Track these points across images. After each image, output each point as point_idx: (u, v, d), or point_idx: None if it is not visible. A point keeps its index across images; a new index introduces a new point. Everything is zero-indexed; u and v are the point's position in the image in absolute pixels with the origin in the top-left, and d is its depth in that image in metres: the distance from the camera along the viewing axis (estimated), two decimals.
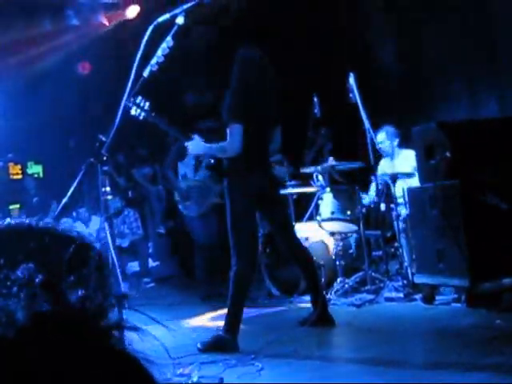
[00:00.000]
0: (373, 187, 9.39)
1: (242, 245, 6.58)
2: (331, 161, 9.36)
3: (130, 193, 13.24)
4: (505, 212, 7.07)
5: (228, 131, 6.49)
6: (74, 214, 12.55)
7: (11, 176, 12.65)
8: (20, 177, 12.78)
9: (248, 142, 6.51)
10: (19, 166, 12.71)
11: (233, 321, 6.51)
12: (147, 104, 6.19)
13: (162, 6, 10.23)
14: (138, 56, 4.76)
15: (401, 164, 9.26)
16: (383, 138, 9.47)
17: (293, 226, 7.50)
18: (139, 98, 6.14)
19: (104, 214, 4.61)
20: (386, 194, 9.05)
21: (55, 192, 11.98)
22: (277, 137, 9.37)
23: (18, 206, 11.88)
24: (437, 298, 7.81)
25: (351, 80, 8.74)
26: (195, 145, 6.70)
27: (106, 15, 12.37)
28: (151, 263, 12.95)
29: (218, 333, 6.54)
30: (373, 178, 9.17)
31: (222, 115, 6.58)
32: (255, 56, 6.83)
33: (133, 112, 6.14)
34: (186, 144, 6.71)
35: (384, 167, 9.52)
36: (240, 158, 6.52)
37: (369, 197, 9.40)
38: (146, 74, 4.90)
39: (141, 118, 6.21)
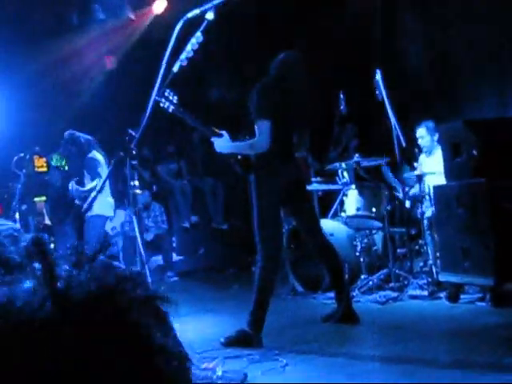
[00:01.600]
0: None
1: (267, 241, 6.58)
2: (357, 157, 9.34)
3: (154, 187, 13.32)
4: None
5: (256, 128, 6.50)
6: None
7: (36, 168, 12.72)
8: (45, 169, 12.84)
9: (276, 139, 6.52)
10: (44, 159, 12.77)
11: (257, 316, 6.50)
12: (175, 98, 6.19)
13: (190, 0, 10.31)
14: (168, 51, 4.78)
15: (438, 159, 9.10)
16: (424, 133, 9.41)
17: (319, 222, 7.47)
18: (168, 91, 6.14)
19: (133, 208, 4.64)
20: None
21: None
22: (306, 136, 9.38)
23: (43, 198, 11.94)
24: (461, 296, 7.77)
25: (378, 77, 8.71)
26: (222, 142, 6.66)
27: (133, 9, 12.40)
28: (175, 257, 13.01)
29: (242, 328, 6.54)
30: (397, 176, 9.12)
31: (250, 112, 6.59)
32: (296, 60, 6.91)
33: (161, 104, 6.15)
34: (212, 141, 6.69)
35: (422, 163, 9.49)
36: (268, 154, 6.53)
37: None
38: (175, 68, 4.92)
39: (170, 110, 6.22)
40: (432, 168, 9.11)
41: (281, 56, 6.92)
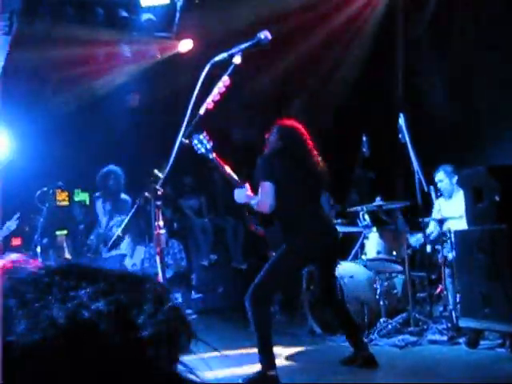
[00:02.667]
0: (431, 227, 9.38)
1: (267, 289, 6.78)
2: (378, 200, 9.36)
3: (174, 224, 13.35)
4: None
5: (260, 189, 6.70)
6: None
7: (58, 202, 12.80)
8: (67, 203, 12.93)
9: (295, 205, 6.85)
10: (66, 193, 12.86)
11: (267, 357, 6.53)
12: (210, 144, 6.42)
13: (215, 39, 10.41)
14: (195, 93, 4.84)
15: (458, 203, 9.05)
16: (442, 177, 9.45)
17: (335, 281, 7.61)
18: (204, 134, 6.34)
19: (157, 248, 4.68)
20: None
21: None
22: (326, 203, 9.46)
23: (65, 232, 12.01)
24: (481, 342, 7.73)
25: (401, 121, 8.76)
26: (241, 193, 6.86)
27: (159, 48, 12.54)
28: (193, 295, 13.00)
29: (260, 369, 6.54)
30: (420, 219, 9.11)
31: (255, 174, 6.81)
32: (296, 130, 7.09)
33: (193, 145, 6.29)
34: (235, 191, 6.86)
35: (441, 206, 9.50)
36: (293, 219, 6.74)
37: (416, 238, 9.41)
38: (202, 111, 4.98)
39: (199, 152, 6.40)
40: (452, 212, 9.12)
41: (278, 127, 7.15)
